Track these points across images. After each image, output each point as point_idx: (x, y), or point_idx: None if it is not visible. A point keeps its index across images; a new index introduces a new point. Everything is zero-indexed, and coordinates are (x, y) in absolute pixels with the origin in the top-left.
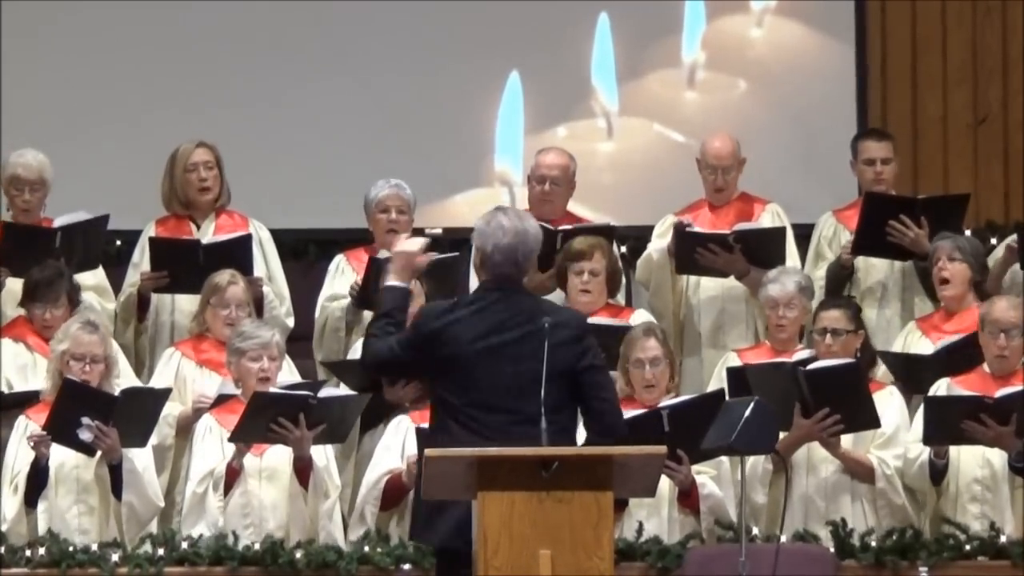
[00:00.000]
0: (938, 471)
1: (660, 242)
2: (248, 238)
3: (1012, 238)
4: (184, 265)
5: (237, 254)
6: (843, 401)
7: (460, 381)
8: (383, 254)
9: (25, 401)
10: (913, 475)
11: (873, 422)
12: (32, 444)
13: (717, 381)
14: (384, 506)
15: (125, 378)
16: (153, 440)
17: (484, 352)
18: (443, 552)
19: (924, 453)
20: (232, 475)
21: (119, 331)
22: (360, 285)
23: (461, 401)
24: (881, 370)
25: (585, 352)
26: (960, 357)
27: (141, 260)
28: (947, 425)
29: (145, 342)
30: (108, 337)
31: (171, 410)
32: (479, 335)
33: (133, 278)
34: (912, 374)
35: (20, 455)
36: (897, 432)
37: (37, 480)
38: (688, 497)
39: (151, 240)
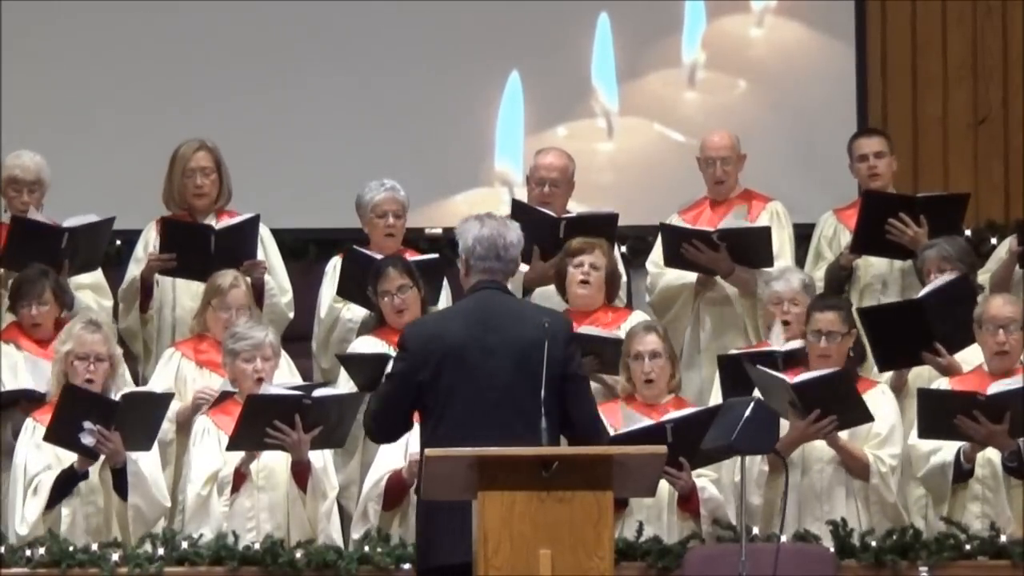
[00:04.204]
0: (963, 473)
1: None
2: (256, 219)
3: (1013, 240)
4: (194, 250)
5: (246, 238)
6: (833, 405)
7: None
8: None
9: (21, 398)
10: (930, 470)
11: (865, 417)
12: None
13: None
14: (386, 506)
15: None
16: None
17: (475, 351)
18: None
19: (950, 455)
20: (239, 479)
21: (120, 315)
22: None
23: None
24: (874, 370)
25: (571, 358)
26: (954, 298)
27: (144, 256)
28: (940, 420)
29: (152, 331)
30: (111, 336)
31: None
32: (468, 335)
33: (136, 272)
34: (904, 322)
35: (32, 458)
36: (892, 432)
37: (67, 485)
38: (688, 501)
39: (165, 220)
